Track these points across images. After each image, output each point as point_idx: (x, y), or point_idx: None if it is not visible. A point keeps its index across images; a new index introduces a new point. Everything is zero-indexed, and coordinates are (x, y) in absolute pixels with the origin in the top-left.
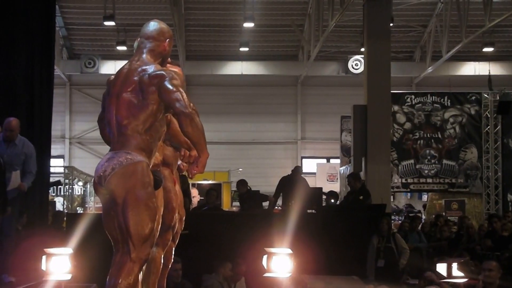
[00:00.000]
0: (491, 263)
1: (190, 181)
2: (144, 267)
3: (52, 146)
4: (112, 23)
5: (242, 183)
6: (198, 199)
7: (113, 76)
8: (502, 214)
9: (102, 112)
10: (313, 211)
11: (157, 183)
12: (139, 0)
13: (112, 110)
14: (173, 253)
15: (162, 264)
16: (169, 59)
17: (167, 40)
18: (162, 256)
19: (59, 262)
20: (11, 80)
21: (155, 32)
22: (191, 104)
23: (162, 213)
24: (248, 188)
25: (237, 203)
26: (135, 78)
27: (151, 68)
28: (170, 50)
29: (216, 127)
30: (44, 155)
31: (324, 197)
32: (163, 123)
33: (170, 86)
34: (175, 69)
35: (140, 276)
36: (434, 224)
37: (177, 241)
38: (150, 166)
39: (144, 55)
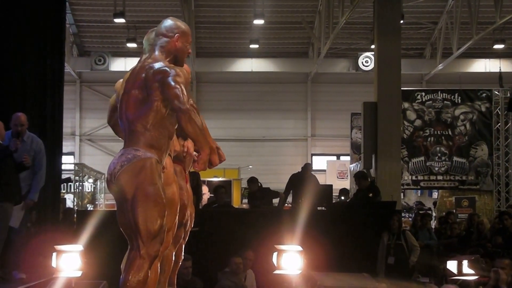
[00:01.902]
0: (503, 261)
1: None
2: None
3: (62, 143)
4: (122, 20)
5: (252, 181)
6: (208, 196)
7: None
8: None
9: None
10: (323, 208)
11: None
12: None
13: (123, 107)
14: (183, 250)
15: (173, 261)
16: None
17: (176, 35)
18: (174, 253)
19: (69, 259)
20: (23, 78)
21: (164, 29)
22: (191, 101)
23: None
24: (259, 185)
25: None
26: (143, 75)
27: (157, 65)
28: (182, 47)
29: (226, 124)
30: (56, 153)
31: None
32: (173, 120)
33: (171, 82)
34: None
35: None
36: (445, 222)
37: (187, 238)
38: (163, 163)
39: (156, 52)
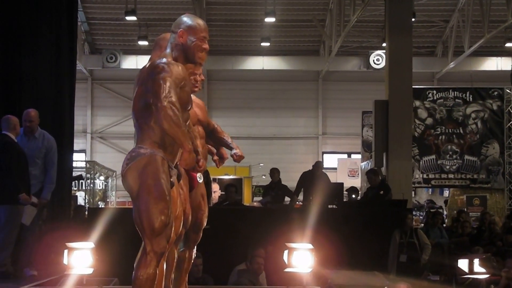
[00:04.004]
0: None
1: (211, 176)
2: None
3: (74, 141)
4: (133, 18)
5: (277, 171)
6: (219, 194)
7: None
8: None
9: None
10: (334, 206)
11: (177, 177)
12: None
13: (132, 105)
14: (195, 248)
15: (180, 258)
16: None
17: (180, 30)
18: (175, 250)
19: (80, 256)
20: (34, 75)
21: (173, 25)
22: (172, 98)
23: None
24: (280, 178)
25: (258, 198)
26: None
27: (157, 61)
28: (188, 42)
29: (237, 122)
30: (67, 150)
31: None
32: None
33: (158, 79)
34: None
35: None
36: (456, 220)
37: (200, 236)
38: (176, 160)
39: (167, 49)
